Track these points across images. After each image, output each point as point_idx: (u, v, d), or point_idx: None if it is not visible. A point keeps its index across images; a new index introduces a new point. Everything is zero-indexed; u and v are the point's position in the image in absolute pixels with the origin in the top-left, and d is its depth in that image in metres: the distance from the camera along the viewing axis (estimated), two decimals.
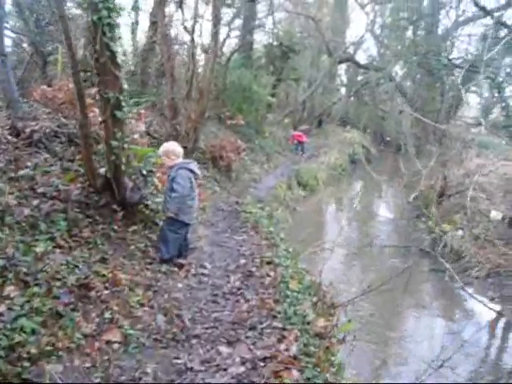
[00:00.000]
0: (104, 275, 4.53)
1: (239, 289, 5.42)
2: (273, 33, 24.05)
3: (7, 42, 10.40)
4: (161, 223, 6.00)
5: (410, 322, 8.11)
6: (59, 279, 4.03)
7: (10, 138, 5.96)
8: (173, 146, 5.80)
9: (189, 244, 6.11)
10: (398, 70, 32.93)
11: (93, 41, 4.74)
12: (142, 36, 15.75)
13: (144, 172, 6.31)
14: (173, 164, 5.63)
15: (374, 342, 6.70)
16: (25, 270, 3.87)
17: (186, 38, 14.94)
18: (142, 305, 4.47)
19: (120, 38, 5.22)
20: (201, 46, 14.62)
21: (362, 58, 34.74)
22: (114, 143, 5.18)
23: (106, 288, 4.38)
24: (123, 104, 5.15)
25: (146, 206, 6.28)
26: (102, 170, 5.62)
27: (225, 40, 18.40)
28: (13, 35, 11.00)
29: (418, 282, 8.87)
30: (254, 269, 6.08)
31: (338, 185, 21.64)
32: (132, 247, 5.49)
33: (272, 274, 5.89)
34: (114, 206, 5.68)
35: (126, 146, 5.45)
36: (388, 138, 36.02)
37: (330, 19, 30.45)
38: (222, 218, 8.85)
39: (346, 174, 24.25)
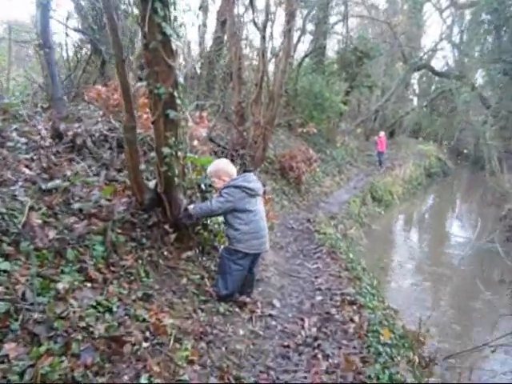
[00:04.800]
0: (145, 320, 3.48)
1: (316, 338, 4.25)
2: (346, 38, 22.85)
3: (69, 40, 9.84)
4: (221, 249, 4.92)
5: None
6: (84, 328, 3.02)
7: (49, 141, 5.10)
8: (225, 165, 4.62)
9: (254, 278, 4.90)
10: (479, 79, 30.85)
11: (141, 22, 3.69)
12: (209, 38, 15.03)
13: (203, 186, 5.20)
14: (222, 186, 4.49)
15: None
16: (36, 316, 2.87)
17: (255, 40, 14.16)
18: (191, 362, 3.38)
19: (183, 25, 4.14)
20: (271, 49, 13.68)
21: (437, 65, 32.87)
22: (166, 150, 4.09)
23: (146, 339, 3.33)
24: (178, 102, 4.00)
25: (205, 226, 5.20)
26: (152, 183, 4.60)
27: (297, 44, 17.34)
28: (76, 35, 10.47)
29: None
30: (333, 310, 4.90)
31: (413, 200, 20.13)
32: (184, 280, 4.36)
33: (356, 318, 4.70)
34: (165, 227, 4.59)
35: (180, 153, 4.37)
36: (465, 151, 34.06)
37: (404, 25, 28.88)
38: (292, 240, 7.72)
39: (422, 188, 22.65)
